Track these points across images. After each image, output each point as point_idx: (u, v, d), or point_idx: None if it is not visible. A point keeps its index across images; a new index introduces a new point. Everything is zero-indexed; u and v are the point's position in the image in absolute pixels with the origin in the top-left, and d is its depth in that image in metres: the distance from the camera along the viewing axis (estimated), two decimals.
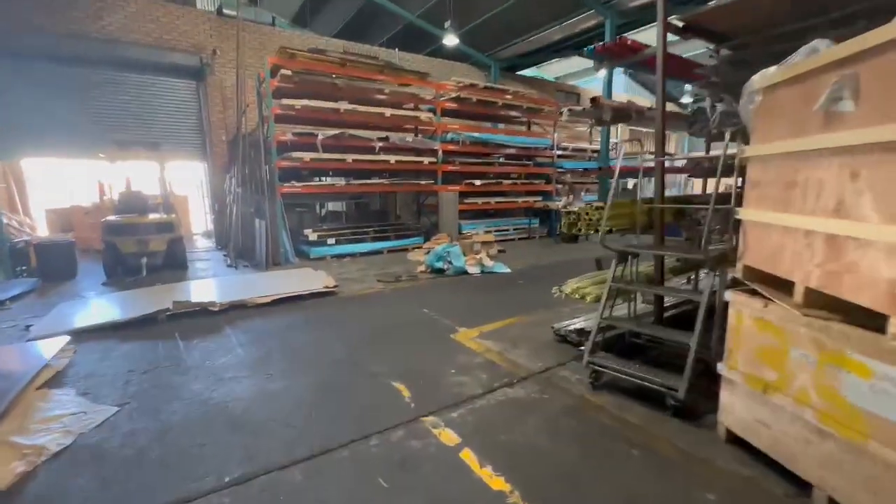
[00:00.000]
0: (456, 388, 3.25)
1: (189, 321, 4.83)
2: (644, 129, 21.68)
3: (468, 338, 4.32)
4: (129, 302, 5.49)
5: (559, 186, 12.80)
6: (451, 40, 11.81)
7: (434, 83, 9.91)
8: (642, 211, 3.77)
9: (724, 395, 2.55)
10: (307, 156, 8.19)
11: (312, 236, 8.76)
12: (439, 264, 7.38)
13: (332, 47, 10.54)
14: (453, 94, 10.19)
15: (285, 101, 7.95)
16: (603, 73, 15.04)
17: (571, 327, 4.09)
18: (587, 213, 4.15)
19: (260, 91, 8.52)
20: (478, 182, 10.75)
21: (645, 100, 21.16)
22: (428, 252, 8.36)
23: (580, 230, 4.16)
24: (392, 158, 9.25)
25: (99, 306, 5.43)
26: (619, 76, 19.70)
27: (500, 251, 9.32)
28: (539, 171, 12.40)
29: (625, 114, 4.07)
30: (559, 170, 12.51)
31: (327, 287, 6.00)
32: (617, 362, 3.16)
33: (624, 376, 3.04)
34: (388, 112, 9.06)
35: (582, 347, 3.78)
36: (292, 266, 7.97)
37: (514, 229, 11.66)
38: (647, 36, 16.08)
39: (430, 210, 11.17)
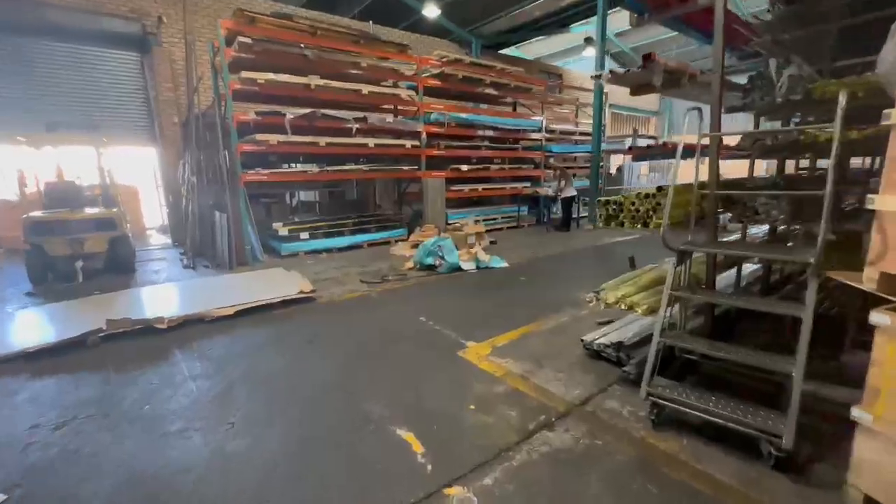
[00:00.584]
0: (481, 436, 2.49)
1: (129, 344, 3.86)
2: (636, 114, 21.31)
3: (480, 356, 3.56)
4: (56, 318, 4.44)
5: (548, 171, 12.13)
6: (431, 11, 10.81)
7: (416, 57, 8.94)
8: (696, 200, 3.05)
9: (862, 450, 1.89)
10: (274, 138, 7.13)
11: (283, 230, 7.76)
12: (430, 260, 6.57)
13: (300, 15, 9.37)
14: (437, 70, 9.26)
15: (245, 75, 6.83)
16: (590, 52, 14.40)
17: (606, 340, 3.39)
18: (633, 204, 3.42)
19: (214, 63, 7.34)
20: (464, 167, 9.92)
21: None
22: (415, 246, 7.53)
23: (622, 223, 3.44)
24: (370, 142, 8.28)
25: (15, 324, 4.35)
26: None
27: (491, 242, 8.58)
28: (527, 155, 11.67)
29: (678, 78, 3.35)
30: (548, 153, 11.82)
31: (303, 292, 5.10)
32: (685, 393, 2.47)
33: (701, 414, 2.36)
34: (365, 89, 8.06)
35: (625, 368, 3.09)
36: (260, 265, 6.97)
37: (503, 218, 10.94)
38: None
39: (413, 199, 10.29)
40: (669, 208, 2.75)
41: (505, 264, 6.84)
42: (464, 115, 9.65)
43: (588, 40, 13.96)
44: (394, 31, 12.47)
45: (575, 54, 18.85)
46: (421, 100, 9.09)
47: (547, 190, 11.14)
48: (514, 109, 11.81)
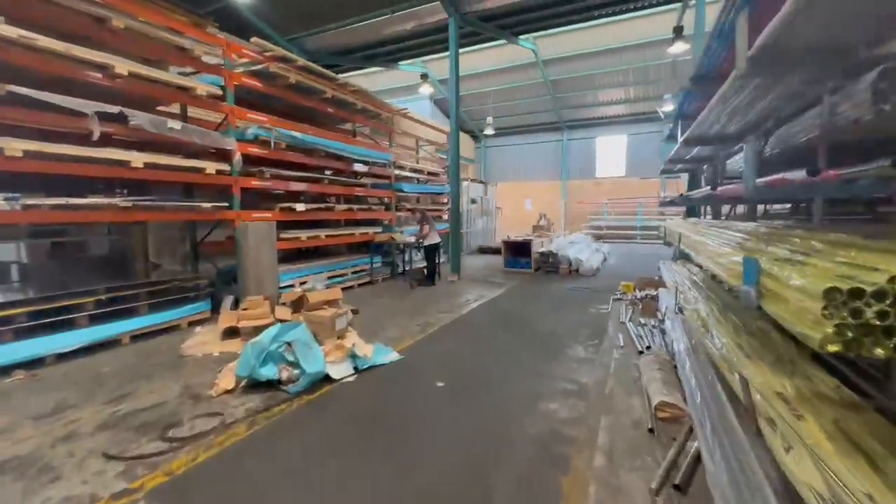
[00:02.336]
0: None
1: None
2: (462, 161, 21.96)
3: None
4: None
5: (400, 214, 10.26)
6: None
7: (223, 39, 5.88)
8: None
9: None
10: None
11: None
12: (268, 372, 3.61)
13: None
14: (258, 66, 6.38)
15: None
16: (425, 90, 13.57)
17: None
18: None
19: None
20: (300, 206, 7.09)
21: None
22: (231, 334, 4.39)
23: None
24: (137, 158, 4.77)
25: None
26: (425, 102, 18.89)
27: (353, 312, 6.00)
28: (376, 193, 9.57)
29: None
30: (399, 192, 9.98)
31: None
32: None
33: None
34: (124, 67, 4.61)
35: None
36: None
37: (353, 273, 8.41)
38: (482, 57, 15.41)
39: (217, 252, 6.81)
40: None
41: (395, 355, 4.41)
42: (299, 135, 6.93)
43: (424, 77, 13.14)
44: None
45: (412, 92, 18.10)
46: (231, 104, 6.02)
47: (405, 236, 9.20)
48: (354, 136, 9.66)
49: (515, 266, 10.76)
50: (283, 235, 6.78)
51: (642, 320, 5.80)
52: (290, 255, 7.83)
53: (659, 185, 19.71)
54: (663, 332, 5.14)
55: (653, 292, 7.23)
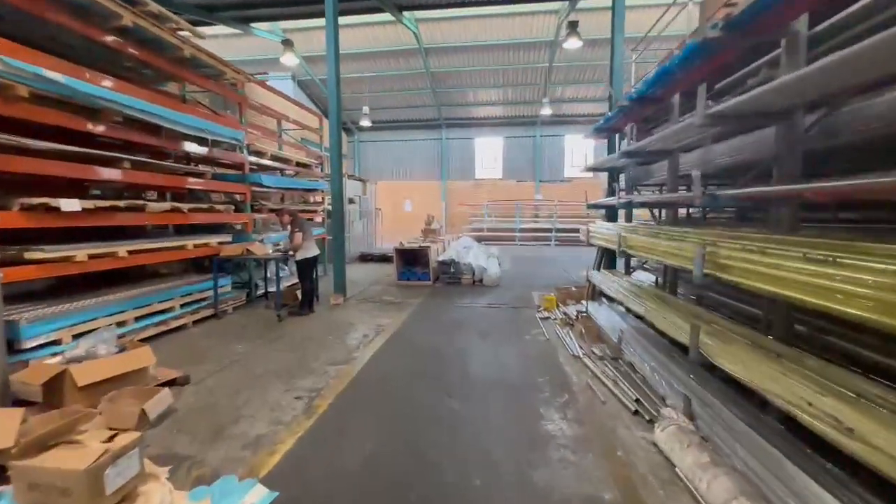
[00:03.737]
0: None
1: None
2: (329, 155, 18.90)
3: None
4: None
5: (259, 217, 7.59)
6: None
7: None
8: None
9: None
10: None
11: None
12: None
13: None
14: None
15: None
16: (289, 61, 10.91)
17: None
18: None
19: None
20: (75, 203, 4.12)
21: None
22: None
23: None
24: None
25: None
26: (287, 83, 15.85)
27: (177, 382, 3.54)
28: (224, 188, 6.79)
29: None
30: (257, 187, 7.32)
31: None
32: None
33: None
34: None
35: None
36: None
37: (183, 305, 5.60)
38: (359, 35, 12.59)
39: None
40: None
41: (260, 494, 2.26)
42: (63, 78, 3.95)
43: (287, 44, 10.48)
44: None
45: (272, 67, 14.75)
46: None
47: (266, 247, 6.69)
48: (185, 101, 6.70)
49: (411, 277, 9.04)
50: (33, 255, 3.81)
51: (596, 350, 4.65)
52: (73, 283, 4.72)
53: (533, 188, 20.24)
54: (633, 367, 4.02)
55: (579, 307, 6.32)
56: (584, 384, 3.82)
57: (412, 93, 17.75)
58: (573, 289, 7.20)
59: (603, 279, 5.77)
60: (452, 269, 8.92)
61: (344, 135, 20.55)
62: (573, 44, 9.51)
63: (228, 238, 6.56)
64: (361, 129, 20.46)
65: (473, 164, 20.73)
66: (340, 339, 5.20)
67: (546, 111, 16.07)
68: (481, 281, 8.98)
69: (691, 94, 3.40)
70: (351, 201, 13.30)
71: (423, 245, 9.17)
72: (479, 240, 18.85)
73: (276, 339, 5.14)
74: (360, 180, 14.44)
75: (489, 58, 15.12)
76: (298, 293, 6.52)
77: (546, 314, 6.37)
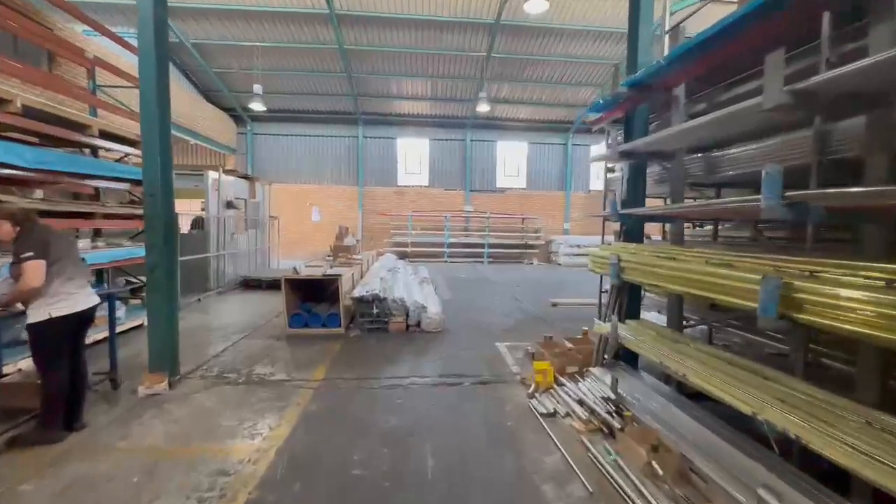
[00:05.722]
0: None
1: None
2: (211, 147, 14.29)
3: None
4: None
5: None
6: None
7: None
8: None
9: None
10: None
11: None
12: None
13: None
14: None
15: None
16: None
17: None
18: None
19: None
20: None
21: (189, 92, 14.08)
22: None
23: None
24: None
25: None
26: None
27: None
28: None
29: None
30: None
31: None
32: None
33: None
34: None
35: None
36: None
37: None
38: None
39: None
40: None
41: None
42: None
43: None
44: None
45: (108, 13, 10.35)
46: None
47: None
48: None
49: (311, 323, 5.84)
50: None
51: None
52: None
53: (463, 197, 17.96)
54: None
55: (592, 380, 3.75)
56: None
57: (322, 75, 14.38)
58: (568, 346, 4.65)
59: (649, 344, 3.24)
60: (376, 310, 5.91)
61: (233, 124, 16.39)
62: (536, 6, 7.21)
63: None
64: (256, 117, 16.46)
65: (396, 167, 17.82)
66: None
67: (483, 108, 13.85)
68: (418, 325, 6.10)
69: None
70: (230, 205, 9.58)
71: (329, 273, 6.01)
72: (404, 256, 15.96)
73: None
74: (247, 178, 10.69)
75: (417, 36, 12.48)
76: (42, 393, 3.02)
77: (546, 402, 3.68)
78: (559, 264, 16.65)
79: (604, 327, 3.87)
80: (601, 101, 3.88)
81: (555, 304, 8.20)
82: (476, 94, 14.57)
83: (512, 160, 18.35)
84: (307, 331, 5.78)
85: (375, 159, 17.64)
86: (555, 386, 3.98)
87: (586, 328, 5.20)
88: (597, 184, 18.68)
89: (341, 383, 4.13)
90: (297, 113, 16.75)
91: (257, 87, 12.35)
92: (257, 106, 13.04)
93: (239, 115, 16.24)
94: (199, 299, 7.87)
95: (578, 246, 16.73)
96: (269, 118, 16.58)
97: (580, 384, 3.86)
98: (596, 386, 3.76)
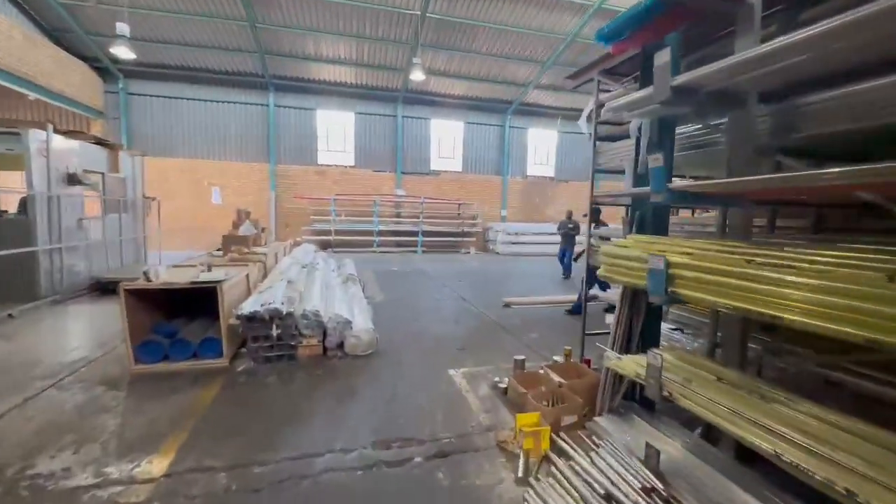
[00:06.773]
0: None
1: None
2: (64, 104, 10.19)
3: None
4: None
5: None
6: None
7: None
8: None
9: None
10: None
11: None
12: None
13: None
14: None
15: None
16: None
17: None
18: None
19: None
20: None
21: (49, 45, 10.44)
22: None
23: None
24: None
25: None
26: None
27: None
28: None
29: None
30: None
31: None
32: None
33: None
34: None
35: None
36: None
37: None
38: None
39: None
40: None
41: None
42: None
43: None
44: None
45: None
46: None
47: None
48: None
49: (173, 354, 3.88)
50: None
51: None
52: None
53: (394, 180, 16.18)
54: None
55: (605, 452, 2.44)
56: None
57: (216, 21, 11.55)
58: (555, 378, 3.30)
59: (711, 396, 1.96)
60: (276, 331, 4.09)
61: (99, 80, 12.80)
62: None
63: None
64: (131, 73, 13.09)
65: (315, 143, 15.45)
66: None
67: (417, 75, 12.10)
68: (340, 346, 4.42)
69: None
70: (75, 180, 6.92)
71: (201, 280, 4.05)
72: (326, 247, 13.86)
73: None
74: (102, 144, 7.92)
75: None
76: None
77: (550, 499, 2.27)
78: (497, 253, 15.69)
79: (626, 365, 2.55)
80: (622, 18, 2.48)
81: (507, 305, 6.96)
82: (409, 62, 12.78)
83: (447, 140, 16.88)
84: (168, 366, 3.82)
85: (291, 133, 15.11)
86: (551, 455, 2.61)
87: (569, 347, 3.93)
88: (535, 169, 17.99)
89: (200, 481, 2.37)
90: (187, 70, 13.62)
91: (122, 27, 9.37)
92: (124, 53, 10.02)
93: (105, 68, 12.74)
94: (9, 314, 5.36)
95: (516, 234, 15.94)
96: (149, 74, 13.29)
97: (593, 454, 2.51)
98: (618, 454, 2.44)
